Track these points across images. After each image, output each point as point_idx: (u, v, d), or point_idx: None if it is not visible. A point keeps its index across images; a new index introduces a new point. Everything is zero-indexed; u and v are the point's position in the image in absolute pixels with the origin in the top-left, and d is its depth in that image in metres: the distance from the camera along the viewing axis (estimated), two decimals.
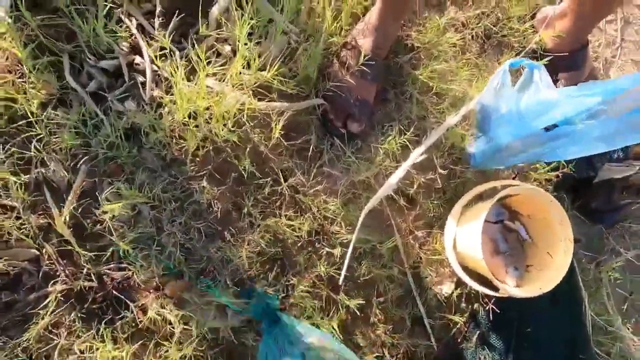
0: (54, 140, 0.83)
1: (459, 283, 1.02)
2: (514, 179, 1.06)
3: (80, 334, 0.83)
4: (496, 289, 0.92)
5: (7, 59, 0.80)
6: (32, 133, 0.82)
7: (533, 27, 1.15)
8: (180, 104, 0.83)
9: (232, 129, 0.88)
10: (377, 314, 0.97)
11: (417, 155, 0.92)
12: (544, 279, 0.93)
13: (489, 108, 0.96)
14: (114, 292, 0.85)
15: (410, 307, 1.01)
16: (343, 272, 0.91)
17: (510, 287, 0.92)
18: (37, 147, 0.82)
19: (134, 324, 0.85)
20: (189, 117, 0.86)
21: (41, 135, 0.82)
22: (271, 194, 0.94)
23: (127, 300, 0.85)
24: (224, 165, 0.92)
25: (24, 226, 0.82)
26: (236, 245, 0.91)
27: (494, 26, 1.13)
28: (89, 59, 0.86)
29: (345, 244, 0.94)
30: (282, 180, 0.94)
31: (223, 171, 0.92)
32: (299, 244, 0.95)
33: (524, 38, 1.15)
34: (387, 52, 1.00)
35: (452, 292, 1.02)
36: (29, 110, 0.80)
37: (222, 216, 0.91)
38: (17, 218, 0.81)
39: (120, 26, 0.88)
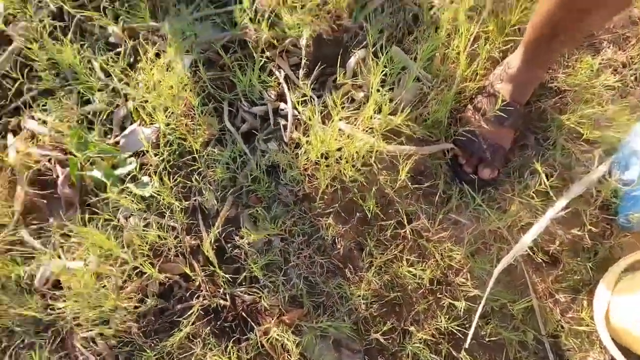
0: (210, 173, 0.97)
1: None
2: None
3: (212, 347, 0.92)
4: None
5: (184, 105, 0.97)
6: (194, 167, 0.97)
7: None
8: (315, 145, 0.90)
9: (360, 169, 0.91)
10: None
11: (559, 208, 0.82)
12: None
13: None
14: (243, 313, 0.93)
15: None
16: (470, 333, 0.84)
17: None
18: (197, 178, 0.97)
19: (256, 347, 0.91)
20: (322, 157, 0.92)
21: (201, 169, 0.97)
22: (394, 237, 0.93)
23: (252, 323, 0.92)
24: (350, 204, 0.95)
25: (179, 245, 0.96)
26: (355, 284, 0.92)
27: None
28: (244, 105, 1.00)
29: (471, 299, 0.88)
30: (405, 223, 0.93)
31: (349, 210, 0.95)
32: (419, 292, 0.91)
33: None
34: (528, 97, 0.94)
35: None
36: (194, 147, 0.96)
37: (344, 254, 0.93)
38: (175, 237, 0.96)
39: (270, 76, 1.01)
